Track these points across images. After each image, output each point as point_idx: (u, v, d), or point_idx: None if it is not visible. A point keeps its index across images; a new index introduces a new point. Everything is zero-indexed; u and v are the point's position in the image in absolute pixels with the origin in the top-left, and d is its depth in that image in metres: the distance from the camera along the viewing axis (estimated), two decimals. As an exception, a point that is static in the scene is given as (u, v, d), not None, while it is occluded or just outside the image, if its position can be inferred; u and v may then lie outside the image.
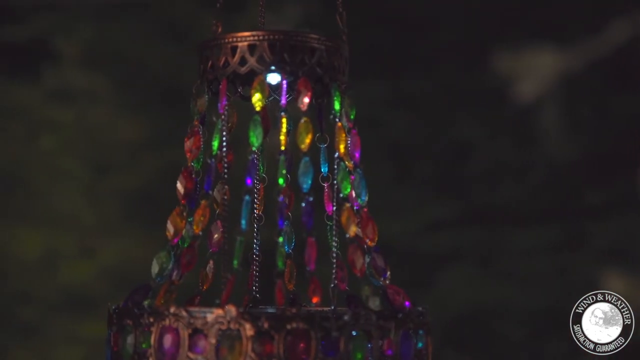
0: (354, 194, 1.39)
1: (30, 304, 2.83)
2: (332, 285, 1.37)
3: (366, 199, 1.40)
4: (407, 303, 1.36)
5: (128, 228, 2.86)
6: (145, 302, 1.35)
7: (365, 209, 1.40)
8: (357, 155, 1.41)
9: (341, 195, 1.38)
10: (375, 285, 1.36)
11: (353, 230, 1.34)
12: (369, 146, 1.44)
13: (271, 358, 1.18)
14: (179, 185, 1.40)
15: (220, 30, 1.51)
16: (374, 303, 1.31)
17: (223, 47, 1.38)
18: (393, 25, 2.91)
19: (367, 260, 1.38)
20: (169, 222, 1.39)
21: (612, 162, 2.87)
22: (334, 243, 1.40)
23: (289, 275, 1.51)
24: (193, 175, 1.41)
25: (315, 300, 1.29)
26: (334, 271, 1.38)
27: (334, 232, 1.41)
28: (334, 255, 1.39)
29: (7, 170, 2.88)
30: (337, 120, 1.40)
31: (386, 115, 2.88)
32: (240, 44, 1.36)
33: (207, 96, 1.42)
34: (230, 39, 1.37)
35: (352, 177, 1.39)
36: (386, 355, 1.26)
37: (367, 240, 1.39)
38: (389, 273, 1.39)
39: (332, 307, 1.33)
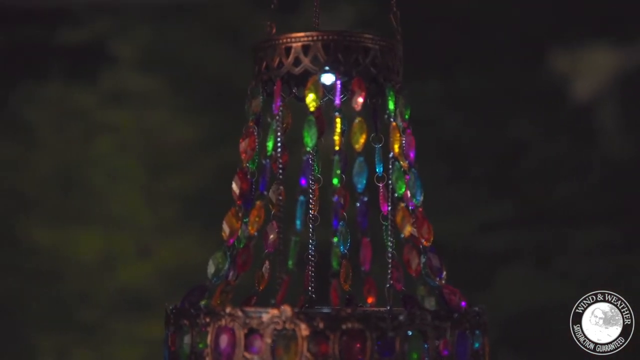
0: (409, 194, 1.38)
1: (88, 304, 2.86)
2: (388, 285, 1.36)
3: (421, 198, 1.39)
4: (463, 303, 1.35)
5: (184, 229, 2.88)
6: (202, 303, 1.35)
7: (421, 209, 1.39)
8: (411, 155, 1.40)
9: (396, 195, 1.37)
10: (431, 286, 1.35)
11: (408, 230, 1.34)
12: (423, 146, 1.43)
13: (327, 358, 1.18)
14: (234, 186, 1.40)
15: (274, 31, 1.51)
16: (430, 303, 1.30)
17: (277, 48, 1.38)
18: (448, 24, 2.90)
19: (423, 260, 1.37)
20: (224, 222, 1.39)
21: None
22: (389, 243, 1.40)
23: (344, 275, 1.51)
24: (248, 176, 1.41)
25: (370, 300, 1.28)
26: (389, 271, 1.37)
27: (389, 232, 1.41)
28: (390, 255, 1.39)
29: (65, 171, 2.91)
30: (391, 120, 1.39)
31: (441, 115, 2.87)
32: (294, 45, 1.36)
33: (261, 97, 1.42)
34: (285, 40, 1.37)
35: (407, 176, 1.39)
36: (442, 356, 1.25)
37: (423, 240, 1.38)
38: (444, 273, 1.38)
39: (388, 307, 1.33)
